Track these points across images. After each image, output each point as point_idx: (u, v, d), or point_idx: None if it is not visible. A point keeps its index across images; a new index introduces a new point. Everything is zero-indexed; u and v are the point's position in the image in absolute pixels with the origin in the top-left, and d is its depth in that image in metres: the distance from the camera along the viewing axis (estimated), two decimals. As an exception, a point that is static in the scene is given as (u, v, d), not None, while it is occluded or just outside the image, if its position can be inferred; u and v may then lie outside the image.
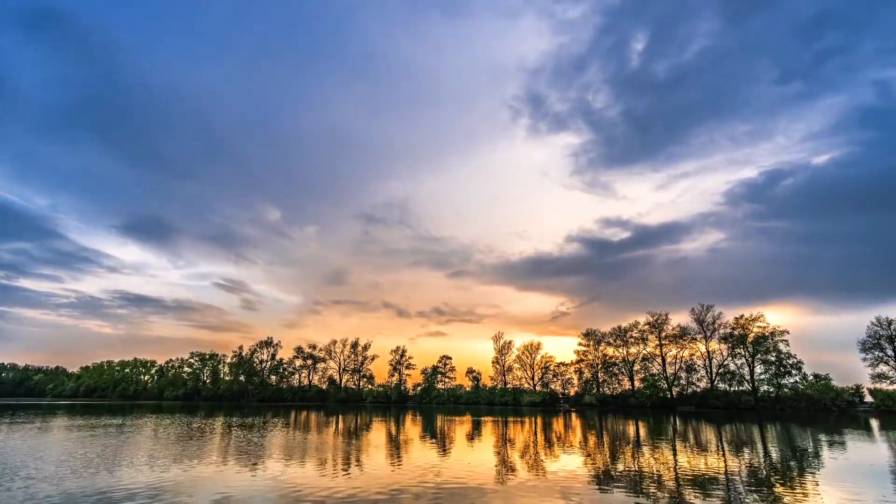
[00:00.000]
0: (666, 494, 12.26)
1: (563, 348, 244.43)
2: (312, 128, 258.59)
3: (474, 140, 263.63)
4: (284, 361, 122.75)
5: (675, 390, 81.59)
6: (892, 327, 65.88)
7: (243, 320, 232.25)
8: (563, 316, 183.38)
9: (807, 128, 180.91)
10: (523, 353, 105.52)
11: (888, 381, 64.64)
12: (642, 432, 33.39)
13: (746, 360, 75.67)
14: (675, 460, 18.79)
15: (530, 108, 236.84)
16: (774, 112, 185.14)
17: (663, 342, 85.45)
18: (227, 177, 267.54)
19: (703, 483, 13.88)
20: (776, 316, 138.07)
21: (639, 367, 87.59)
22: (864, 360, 67.15)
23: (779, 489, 13.11)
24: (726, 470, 16.38)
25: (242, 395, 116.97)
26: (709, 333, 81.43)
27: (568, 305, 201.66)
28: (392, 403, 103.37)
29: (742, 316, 78.18)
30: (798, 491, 12.90)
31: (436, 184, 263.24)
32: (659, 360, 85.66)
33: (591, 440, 27.77)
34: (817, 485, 13.71)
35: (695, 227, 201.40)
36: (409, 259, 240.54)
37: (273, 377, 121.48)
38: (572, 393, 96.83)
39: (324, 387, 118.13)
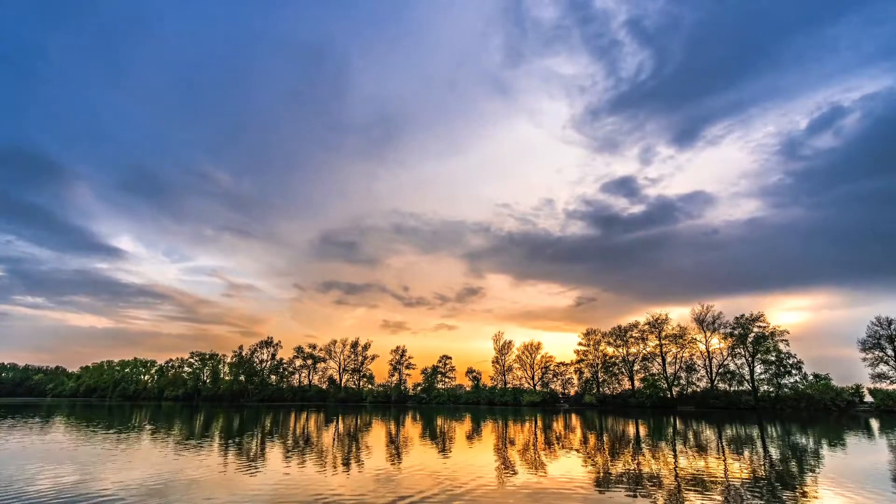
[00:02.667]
0: (666, 495, 12.25)
1: (567, 344, 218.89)
2: (266, 75, 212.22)
3: (447, 82, 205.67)
4: (284, 361, 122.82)
5: (675, 390, 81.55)
6: (893, 327, 65.86)
7: (222, 310, 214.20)
8: (569, 310, 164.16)
9: (885, 34, 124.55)
10: (523, 352, 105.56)
11: (888, 381, 64.67)
12: (642, 432, 33.38)
13: (746, 359, 75.63)
14: (676, 461, 18.78)
15: (503, 10, 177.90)
16: (842, 7, 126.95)
17: (663, 342, 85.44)
18: (140, 104, 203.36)
19: (703, 484, 13.87)
20: (827, 306, 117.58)
21: (639, 366, 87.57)
22: (864, 359, 67.20)
23: (779, 490, 13.10)
24: (726, 471, 16.36)
25: (242, 395, 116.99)
26: (709, 333, 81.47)
27: (573, 297, 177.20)
28: (392, 403, 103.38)
29: (742, 315, 78.20)
30: (798, 492, 12.89)
31: (407, 147, 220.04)
32: (659, 359, 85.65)
33: (592, 441, 27.76)
34: (817, 485, 13.70)
35: (722, 193, 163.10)
36: (393, 241, 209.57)
37: (273, 377, 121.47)
38: (572, 393, 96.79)
39: (324, 387, 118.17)
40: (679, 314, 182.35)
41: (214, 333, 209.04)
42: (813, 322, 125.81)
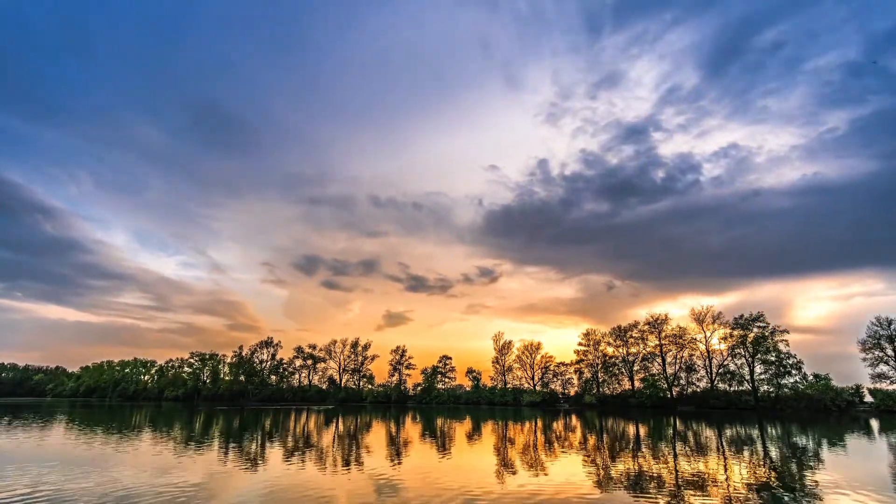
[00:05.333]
0: (667, 497, 12.24)
1: (572, 341, 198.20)
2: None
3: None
4: (284, 361, 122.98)
5: (675, 390, 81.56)
6: (892, 327, 65.86)
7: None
8: (575, 302, 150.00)
9: None
10: (523, 352, 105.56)
11: (888, 381, 64.67)
12: (642, 433, 33.39)
13: (746, 360, 75.63)
14: (676, 461, 18.77)
15: None
16: None
17: (663, 342, 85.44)
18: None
19: (703, 484, 13.86)
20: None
21: (639, 367, 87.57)
22: (864, 360, 67.20)
23: (779, 491, 13.09)
24: (727, 472, 16.36)
25: (242, 395, 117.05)
26: (709, 333, 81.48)
27: (579, 288, 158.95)
28: (392, 404, 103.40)
29: (742, 315, 78.23)
30: (798, 492, 12.88)
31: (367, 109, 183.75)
32: (659, 360, 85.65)
33: (592, 441, 27.76)
34: (817, 486, 13.69)
35: (759, 150, 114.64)
36: (374, 217, 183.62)
37: (273, 377, 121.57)
38: (572, 393, 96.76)
39: (324, 387, 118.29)
40: (701, 306, 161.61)
41: (199, 325, 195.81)
42: (848, 311, 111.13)
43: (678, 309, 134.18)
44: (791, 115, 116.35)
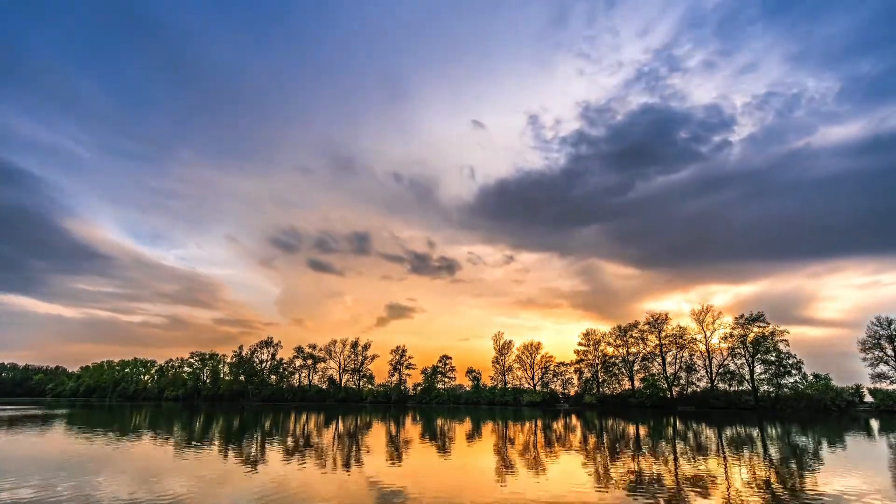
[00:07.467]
0: (666, 497, 12.23)
1: (572, 335, 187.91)
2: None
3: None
4: (284, 361, 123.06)
5: (675, 390, 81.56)
6: (892, 327, 65.84)
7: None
8: (579, 295, 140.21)
9: None
10: (523, 352, 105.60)
11: (888, 381, 64.67)
12: (642, 433, 33.38)
13: (746, 360, 75.64)
14: (676, 461, 18.76)
15: None
16: None
17: (663, 342, 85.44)
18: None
19: (703, 484, 13.85)
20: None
21: (639, 366, 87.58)
22: (864, 360, 67.20)
23: (779, 491, 13.08)
24: (726, 471, 16.35)
25: (242, 395, 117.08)
26: (709, 333, 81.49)
27: (583, 278, 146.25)
28: (392, 403, 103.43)
29: (742, 315, 78.28)
30: (798, 493, 12.87)
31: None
32: (659, 359, 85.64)
33: (591, 441, 27.75)
34: (817, 486, 13.68)
35: (802, 97, 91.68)
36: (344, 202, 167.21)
37: (273, 377, 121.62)
38: (572, 393, 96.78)
39: (324, 387, 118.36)
40: (723, 299, 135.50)
41: (184, 319, 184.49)
42: (877, 302, 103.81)
43: (688, 303, 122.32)
44: (845, 47, 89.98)
